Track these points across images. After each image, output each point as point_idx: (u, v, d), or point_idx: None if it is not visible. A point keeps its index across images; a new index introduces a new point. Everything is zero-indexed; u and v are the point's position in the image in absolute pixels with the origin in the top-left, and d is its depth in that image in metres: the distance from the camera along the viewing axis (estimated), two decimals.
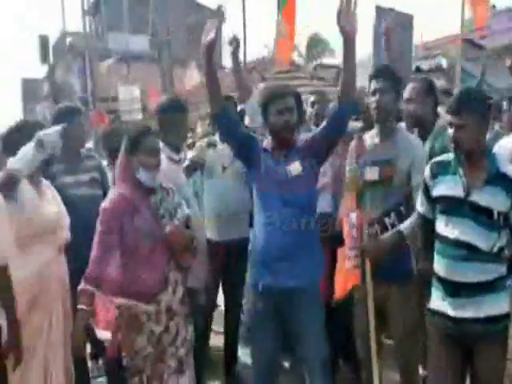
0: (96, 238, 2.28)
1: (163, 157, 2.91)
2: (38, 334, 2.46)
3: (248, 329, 2.62)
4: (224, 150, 3.29)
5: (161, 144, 2.98)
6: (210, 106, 2.52)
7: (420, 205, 2.30)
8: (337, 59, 19.85)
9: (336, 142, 2.51)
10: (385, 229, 2.54)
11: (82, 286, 2.24)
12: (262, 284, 2.43)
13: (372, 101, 2.61)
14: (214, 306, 3.64)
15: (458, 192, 2.10)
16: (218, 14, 2.96)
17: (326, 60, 23.45)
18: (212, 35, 2.32)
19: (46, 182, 2.72)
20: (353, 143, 2.75)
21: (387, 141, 2.62)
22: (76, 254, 2.52)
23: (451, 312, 2.12)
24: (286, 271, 2.37)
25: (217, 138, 3.41)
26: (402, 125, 2.94)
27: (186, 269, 2.46)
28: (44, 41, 16.18)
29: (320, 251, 2.51)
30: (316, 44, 26.94)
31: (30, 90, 25.83)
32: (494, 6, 22.21)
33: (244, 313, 3.54)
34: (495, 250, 2.07)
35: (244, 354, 3.62)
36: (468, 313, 2.08)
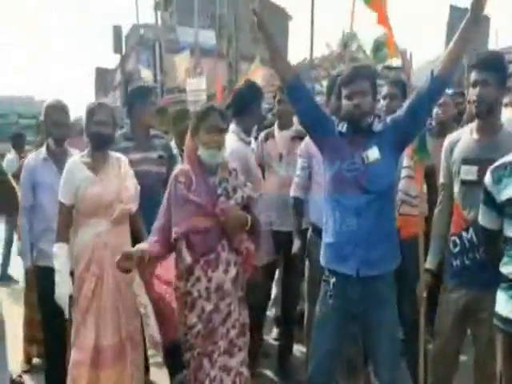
0: (160, 210, 2.48)
1: (233, 137, 3.04)
2: (90, 297, 2.73)
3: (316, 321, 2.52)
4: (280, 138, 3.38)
5: (233, 126, 3.13)
6: (280, 78, 2.44)
7: (482, 218, 2.20)
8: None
9: (421, 124, 2.40)
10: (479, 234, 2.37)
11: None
12: (337, 272, 2.37)
13: (472, 93, 2.41)
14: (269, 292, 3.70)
15: None
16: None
17: (394, 63, 22.85)
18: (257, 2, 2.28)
19: (115, 155, 2.96)
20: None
21: (488, 138, 2.43)
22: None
23: None
24: (363, 260, 2.30)
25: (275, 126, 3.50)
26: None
27: (245, 253, 2.47)
28: (118, 31, 16.81)
29: (397, 242, 2.43)
30: (381, 46, 26.33)
31: (102, 79, 26.87)
32: None
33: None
34: None
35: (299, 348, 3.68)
36: None
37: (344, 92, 2.38)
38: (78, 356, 2.70)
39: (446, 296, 2.57)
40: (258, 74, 8.11)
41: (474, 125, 2.53)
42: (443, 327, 2.57)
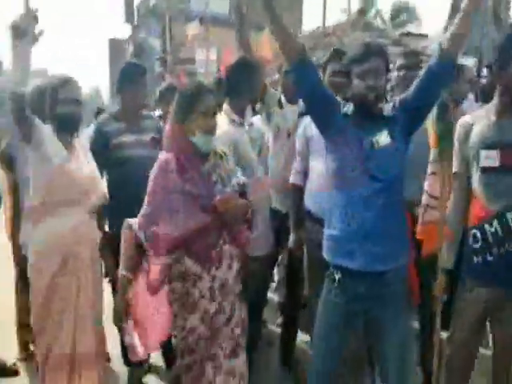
0: (147, 197, 2.20)
1: (224, 119, 2.79)
2: (68, 296, 2.48)
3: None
4: (288, 113, 3.15)
5: (225, 105, 2.88)
6: (285, 54, 2.18)
7: None
8: (424, 28, 18.65)
9: (429, 107, 2.19)
10: (506, 226, 2.18)
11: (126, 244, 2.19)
12: (342, 268, 2.18)
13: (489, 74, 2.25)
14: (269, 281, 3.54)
15: None
16: None
17: (413, 29, 22.10)
18: None
19: (81, 142, 2.69)
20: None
21: (508, 120, 2.21)
22: (131, 213, 2.40)
23: None
24: (370, 254, 2.11)
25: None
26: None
27: (243, 243, 2.30)
28: (129, 0, 16.62)
29: (406, 234, 2.23)
30: (400, 12, 25.27)
31: (115, 50, 26.68)
32: None
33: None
34: None
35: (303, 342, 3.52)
36: None
37: (355, 70, 2.14)
38: (53, 359, 2.50)
39: (465, 295, 2.35)
40: (267, 46, 7.79)
41: (491, 105, 2.30)
42: (460, 329, 2.36)
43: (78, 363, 2.49)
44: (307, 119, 2.72)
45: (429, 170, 2.61)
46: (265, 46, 7.46)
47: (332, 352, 2.25)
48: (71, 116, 2.57)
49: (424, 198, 2.59)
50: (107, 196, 2.73)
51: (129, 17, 16.90)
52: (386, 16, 25.10)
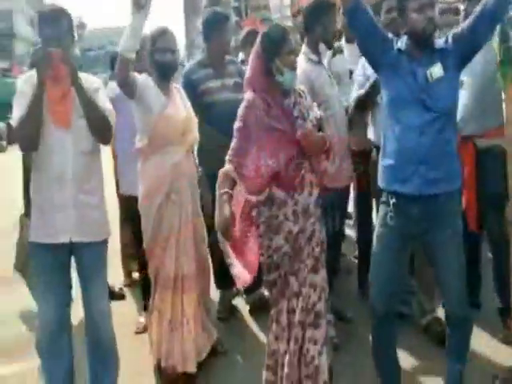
0: (235, 133, 2.42)
1: (303, 58, 2.93)
2: (171, 227, 2.82)
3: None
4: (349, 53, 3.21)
5: (304, 46, 3.02)
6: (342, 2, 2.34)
7: None
8: None
9: (483, 42, 2.24)
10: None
11: (224, 169, 2.39)
12: (397, 193, 2.31)
13: None
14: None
15: None
16: None
17: None
18: None
19: (175, 86, 2.98)
20: None
21: None
22: (219, 156, 2.59)
23: None
24: (425, 178, 2.24)
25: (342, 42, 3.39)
26: None
27: (322, 172, 2.49)
28: None
29: (458, 160, 2.35)
30: None
31: (190, 3, 26.57)
32: None
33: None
34: None
35: None
36: None
37: (412, 4, 2.22)
38: (160, 280, 2.87)
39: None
40: None
41: None
42: None
43: (182, 284, 2.85)
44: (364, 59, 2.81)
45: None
46: None
47: (392, 276, 2.40)
48: (168, 64, 2.84)
49: None
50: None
51: None
52: None
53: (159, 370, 2.88)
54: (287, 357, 2.43)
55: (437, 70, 2.22)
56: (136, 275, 4.06)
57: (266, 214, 2.43)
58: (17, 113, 2.27)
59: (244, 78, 2.54)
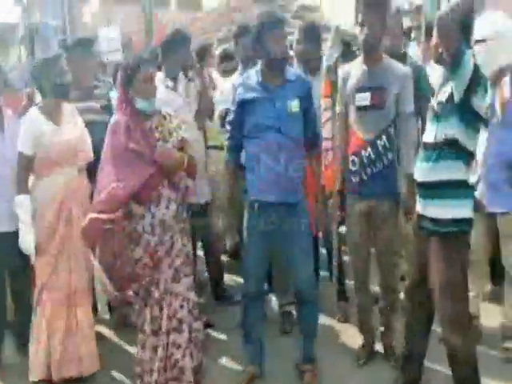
0: (102, 156, 2.63)
1: (160, 85, 3.14)
2: (63, 241, 2.92)
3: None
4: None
5: (160, 74, 3.23)
6: None
7: None
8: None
9: None
10: (376, 150, 2.81)
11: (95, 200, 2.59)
12: (260, 201, 2.73)
13: (360, 32, 2.84)
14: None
15: None
16: None
17: (308, 2, 22.73)
18: None
19: (68, 106, 3.09)
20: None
21: (375, 69, 2.84)
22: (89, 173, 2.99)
23: None
24: (279, 191, 2.69)
25: None
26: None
27: (184, 189, 2.71)
28: None
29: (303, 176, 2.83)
30: None
31: (4, 35, 24.87)
32: None
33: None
34: None
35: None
36: None
37: (266, 36, 2.60)
38: (52, 295, 2.90)
39: (349, 210, 3.02)
40: (175, 20, 8.03)
41: (361, 57, 2.93)
42: (352, 237, 3.05)
43: (74, 299, 2.95)
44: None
45: (323, 118, 3.29)
46: (174, 22, 7.70)
47: (258, 260, 2.84)
48: (66, 85, 3.05)
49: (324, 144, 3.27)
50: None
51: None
52: None
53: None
54: (156, 363, 2.50)
55: (292, 104, 2.66)
56: None
57: (127, 227, 2.56)
58: None
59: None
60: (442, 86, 2.38)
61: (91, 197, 2.93)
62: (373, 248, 3.07)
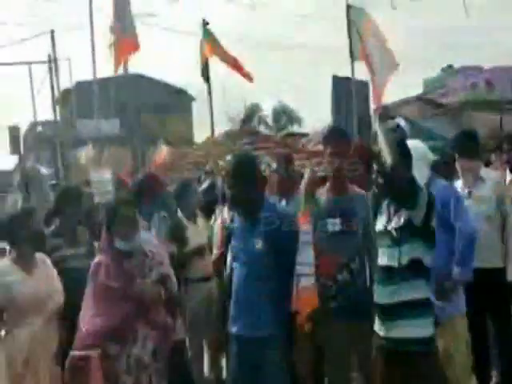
0: (84, 297, 2.66)
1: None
2: None
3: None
4: None
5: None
6: None
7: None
8: (306, 128, 20.38)
9: None
10: (351, 273, 2.85)
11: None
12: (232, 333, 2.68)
13: (329, 161, 2.99)
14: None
15: None
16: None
17: (295, 129, 23.97)
18: None
19: (40, 256, 3.07)
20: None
21: (344, 195, 2.98)
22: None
23: None
24: (243, 322, 2.62)
25: None
26: None
27: (162, 326, 2.69)
28: (15, 132, 16.17)
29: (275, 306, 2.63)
30: (280, 115, 27.30)
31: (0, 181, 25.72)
32: (450, 66, 23.46)
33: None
34: None
35: None
36: None
37: (229, 183, 2.72)
38: None
39: (330, 333, 2.93)
40: (164, 153, 8.46)
41: (327, 185, 3.07)
42: (333, 358, 2.95)
43: None
44: None
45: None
46: (163, 155, 7.99)
47: None
48: (44, 236, 3.08)
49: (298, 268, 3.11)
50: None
51: (15, 148, 16.49)
52: (269, 120, 27.03)
53: None
54: None
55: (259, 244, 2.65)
56: None
57: (104, 365, 2.51)
58: None
59: None
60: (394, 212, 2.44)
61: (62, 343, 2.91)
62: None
